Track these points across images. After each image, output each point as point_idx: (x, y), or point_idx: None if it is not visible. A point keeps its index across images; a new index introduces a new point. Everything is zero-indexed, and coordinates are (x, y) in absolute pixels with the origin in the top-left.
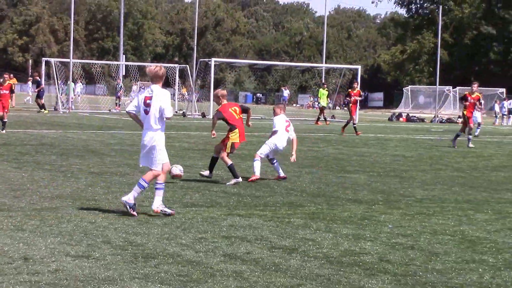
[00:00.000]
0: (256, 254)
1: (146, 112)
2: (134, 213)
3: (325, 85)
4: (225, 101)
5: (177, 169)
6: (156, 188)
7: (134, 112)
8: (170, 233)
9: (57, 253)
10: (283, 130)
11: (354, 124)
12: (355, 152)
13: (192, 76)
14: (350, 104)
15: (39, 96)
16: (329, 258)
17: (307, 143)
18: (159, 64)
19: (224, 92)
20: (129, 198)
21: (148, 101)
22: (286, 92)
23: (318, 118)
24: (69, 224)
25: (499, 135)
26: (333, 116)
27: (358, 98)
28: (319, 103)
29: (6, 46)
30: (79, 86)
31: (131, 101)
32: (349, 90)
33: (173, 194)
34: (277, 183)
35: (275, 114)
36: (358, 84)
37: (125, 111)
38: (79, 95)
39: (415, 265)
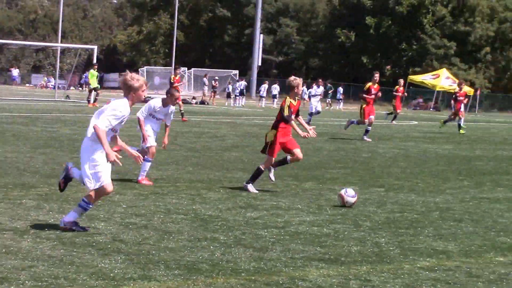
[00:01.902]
0: None
1: None
2: None
3: (96, 66)
4: None
5: None
6: None
7: None
8: None
9: None
10: None
11: None
12: None
13: None
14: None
15: None
16: (62, 239)
17: (41, 123)
18: None
19: None
20: None
21: None
22: (15, 72)
23: (89, 101)
24: None
25: (232, 116)
26: (67, 97)
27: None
28: (89, 84)
29: None
30: None
31: None
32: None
33: None
34: (9, 164)
35: None
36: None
37: None
38: None
39: (149, 244)
